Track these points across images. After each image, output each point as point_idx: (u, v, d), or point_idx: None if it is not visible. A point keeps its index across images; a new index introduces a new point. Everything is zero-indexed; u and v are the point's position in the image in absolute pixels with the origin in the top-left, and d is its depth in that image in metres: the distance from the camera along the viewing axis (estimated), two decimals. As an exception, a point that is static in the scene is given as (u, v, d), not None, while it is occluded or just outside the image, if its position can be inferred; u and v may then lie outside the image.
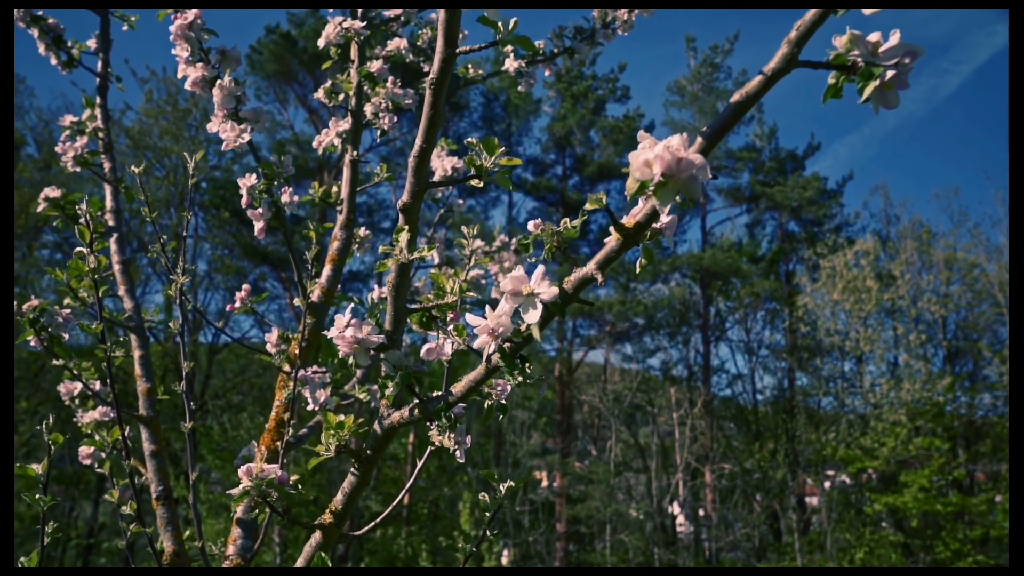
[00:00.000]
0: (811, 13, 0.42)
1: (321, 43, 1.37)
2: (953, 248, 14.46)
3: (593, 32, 1.83)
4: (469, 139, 0.67)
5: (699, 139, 0.46)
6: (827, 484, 13.57)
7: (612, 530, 13.75)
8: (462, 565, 0.98)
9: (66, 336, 1.06)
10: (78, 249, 0.95)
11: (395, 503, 0.83)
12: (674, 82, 17.56)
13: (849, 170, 17.51)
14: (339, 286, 1.18)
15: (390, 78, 1.30)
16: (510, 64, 1.69)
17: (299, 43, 13.79)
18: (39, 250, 13.37)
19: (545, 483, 15.95)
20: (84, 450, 1.10)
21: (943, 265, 14.32)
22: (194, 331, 12.95)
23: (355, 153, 1.10)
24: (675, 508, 14.21)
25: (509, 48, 1.73)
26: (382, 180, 1.32)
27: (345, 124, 1.23)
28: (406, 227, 0.73)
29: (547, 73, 1.79)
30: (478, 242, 1.99)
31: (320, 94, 1.38)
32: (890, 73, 0.42)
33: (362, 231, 1.33)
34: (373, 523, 0.83)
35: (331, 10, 1.53)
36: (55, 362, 1.03)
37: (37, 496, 0.92)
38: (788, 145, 17.87)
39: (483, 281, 1.99)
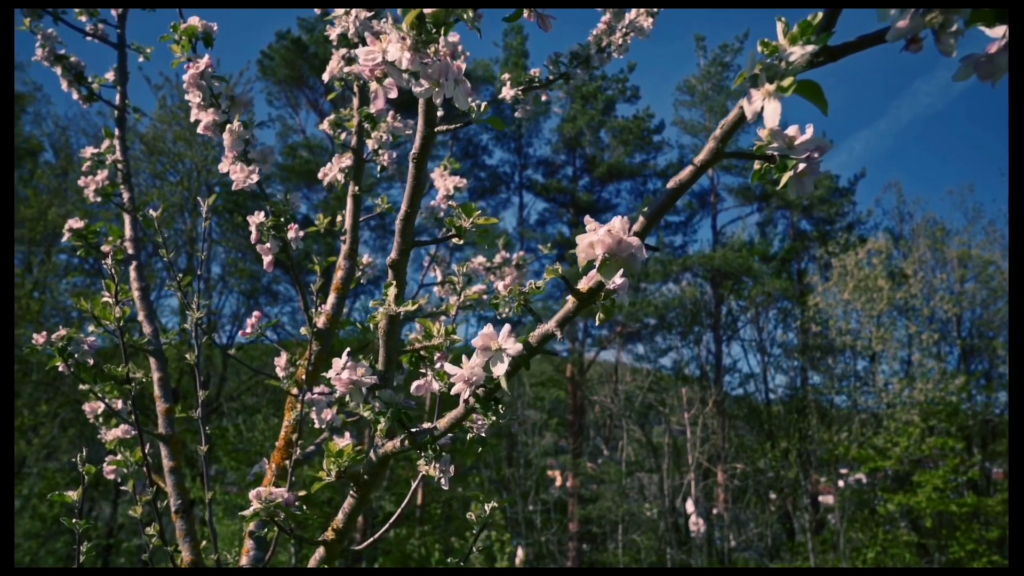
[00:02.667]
0: (732, 115, 0.49)
1: (326, 77, 1.45)
2: (967, 245, 14.38)
3: (588, 58, 1.90)
4: (451, 201, 0.74)
5: (640, 220, 0.53)
6: (841, 483, 13.54)
7: (624, 530, 13.79)
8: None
9: (91, 362, 1.14)
10: (105, 300, 1.04)
11: (394, 517, 0.90)
12: (684, 81, 17.56)
13: (861, 168, 17.41)
14: (344, 312, 1.25)
15: (390, 112, 1.38)
16: (506, 92, 1.77)
17: (310, 48, 13.92)
18: (57, 255, 13.57)
19: (559, 482, 16.00)
20: (108, 468, 1.19)
21: (957, 263, 14.23)
22: (208, 334, 13.11)
23: (356, 188, 1.18)
24: (689, 506, 14.22)
25: (506, 76, 1.81)
26: (383, 211, 1.39)
27: (347, 160, 1.31)
28: (394, 283, 0.81)
29: (544, 99, 1.86)
30: (480, 258, 2.06)
31: (325, 126, 1.45)
32: (802, 165, 0.49)
33: (365, 258, 1.40)
34: (372, 539, 0.90)
35: (333, 37, 1.61)
36: (81, 387, 1.12)
37: (74, 520, 1.00)
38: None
39: (484, 296, 2.07)
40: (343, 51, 1.53)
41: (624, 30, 1.95)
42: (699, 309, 16.24)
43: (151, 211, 1.19)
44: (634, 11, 2.00)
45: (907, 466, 11.93)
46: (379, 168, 1.33)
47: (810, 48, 0.42)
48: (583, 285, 0.55)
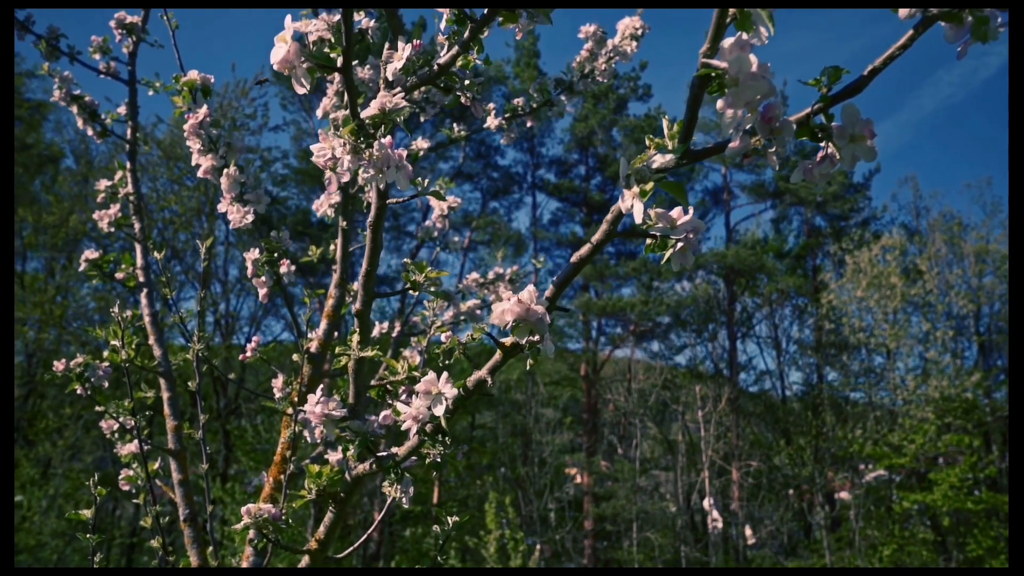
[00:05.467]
0: (614, 209, 0.59)
1: (319, 114, 1.55)
2: (985, 240, 14.25)
3: (571, 84, 1.99)
4: (406, 259, 0.84)
5: (550, 288, 0.63)
6: (864, 479, 13.50)
7: (638, 528, 13.85)
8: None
9: (106, 385, 1.26)
10: (113, 343, 1.15)
11: (371, 529, 1.01)
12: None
13: (877, 162, 17.27)
14: (335, 335, 1.36)
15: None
16: (491, 122, 1.87)
17: (323, 53, 14.06)
18: (79, 260, 13.83)
19: (578, 479, 16.06)
20: (123, 481, 1.31)
21: (974, 257, 14.11)
22: (227, 336, 13.39)
23: (345, 224, 1.28)
24: (708, 502, 14.24)
25: (491, 106, 1.91)
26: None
27: (336, 197, 1.41)
28: (358, 330, 0.91)
29: (529, 124, 1.96)
30: (474, 274, 2.16)
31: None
32: (680, 244, 0.58)
33: (354, 285, 1.50)
34: (351, 548, 1.00)
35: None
36: (97, 408, 1.23)
37: (88, 535, 1.12)
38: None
39: (479, 311, 2.17)
40: (336, 87, 1.63)
41: (607, 55, 2.04)
42: (713, 306, 16.24)
43: (156, 253, 1.31)
44: (618, 37, 2.08)
45: (923, 463, 11.88)
46: (365, 204, 1.43)
47: (669, 157, 0.52)
48: (507, 341, 0.65)
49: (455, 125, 1.71)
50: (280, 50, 0.60)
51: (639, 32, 2.12)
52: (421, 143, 1.61)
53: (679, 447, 14.85)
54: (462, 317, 2.08)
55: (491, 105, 1.87)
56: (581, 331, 16.70)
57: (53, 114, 14.11)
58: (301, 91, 0.64)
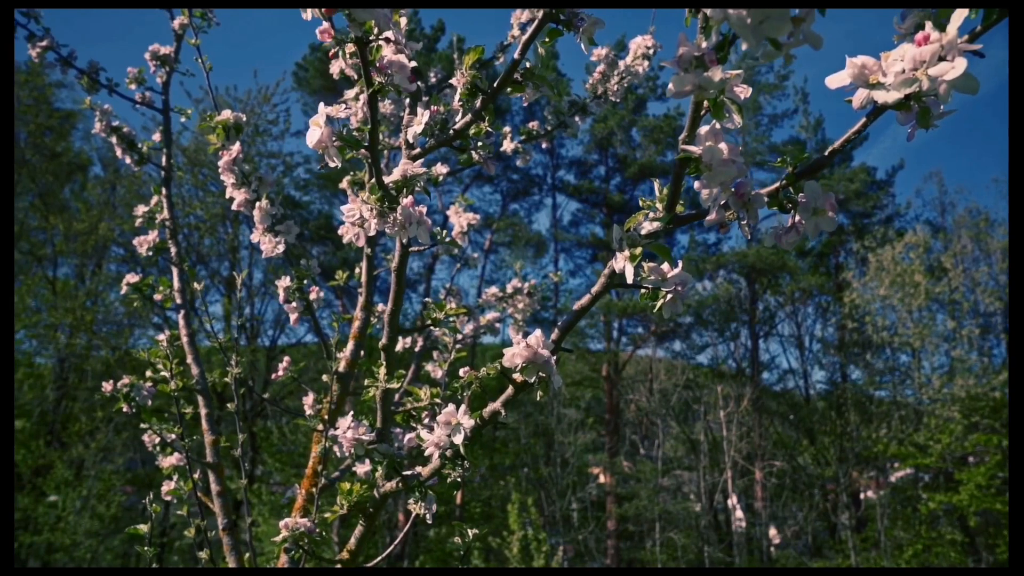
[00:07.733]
0: (610, 266, 0.66)
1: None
2: (1013, 235, 14.03)
3: (584, 105, 2.06)
4: (427, 299, 0.92)
5: (555, 333, 0.71)
6: (892, 478, 13.37)
7: (661, 528, 13.84)
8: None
9: (150, 403, 1.36)
10: (162, 373, 1.25)
11: (385, 553, 1.09)
12: (715, 77, 17.44)
13: (900, 159, 17.10)
14: (361, 354, 1.45)
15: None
16: (507, 145, 1.94)
17: (343, 59, 14.25)
18: (108, 266, 14.18)
19: (602, 479, 16.07)
20: (165, 493, 1.41)
21: (1001, 254, 13.91)
22: (252, 340, 13.62)
23: (370, 250, 1.36)
24: (732, 502, 14.19)
25: (507, 129, 1.98)
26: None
27: (361, 226, 1.50)
28: (384, 363, 0.99)
29: (544, 146, 2.03)
30: (493, 288, 2.24)
31: (344, 184, 1.64)
32: (670, 295, 0.65)
33: (380, 307, 1.59)
34: (380, 557, 1.08)
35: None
36: (142, 425, 1.33)
37: (145, 548, 1.22)
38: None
39: (498, 324, 2.25)
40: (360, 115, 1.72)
41: (620, 76, 2.10)
42: (735, 305, 16.18)
43: (196, 285, 1.41)
44: (629, 57, 2.15)
45: (950, 463, 11.74)
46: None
47: (656, 225, 0.59)
48: (517, 377, 0.72)
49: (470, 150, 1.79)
50: (315, 133, 0.69)
51: (651, 52, 2.18)
52: (440, 168, 1.69)
53: (702, 447, 14.81)
54: (482, 330, 2.16)
55: (507, 129, 1.95)
56: (602, 331, 16.72)
57: (81, 123, 14.43)
58: (333, 165, 0.72)
